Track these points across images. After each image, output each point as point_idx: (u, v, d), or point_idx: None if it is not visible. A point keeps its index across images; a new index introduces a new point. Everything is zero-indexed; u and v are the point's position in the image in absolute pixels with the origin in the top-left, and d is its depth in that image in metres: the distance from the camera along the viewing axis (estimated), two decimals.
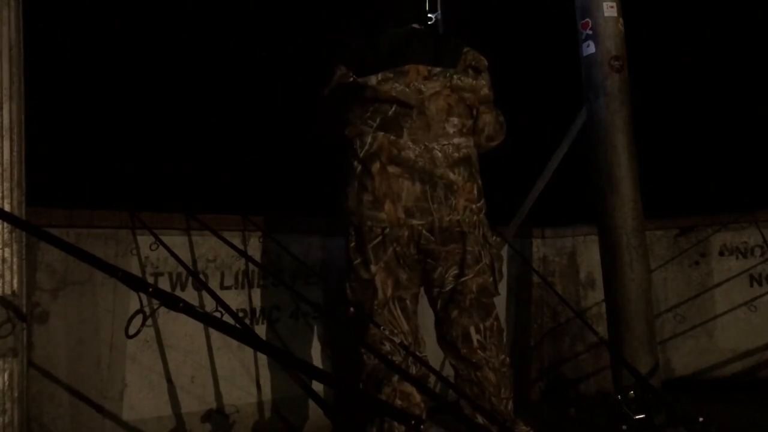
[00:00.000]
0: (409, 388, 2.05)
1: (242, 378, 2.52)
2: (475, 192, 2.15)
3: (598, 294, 3.31)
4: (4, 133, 1.81)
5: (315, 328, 2.75)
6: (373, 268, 2.09)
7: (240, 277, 2.56)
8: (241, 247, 2.50)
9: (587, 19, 2.71)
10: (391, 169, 2.07)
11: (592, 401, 3.31)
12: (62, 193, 2.40)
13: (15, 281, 1.82)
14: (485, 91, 2.20)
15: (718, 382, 3.29)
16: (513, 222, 3.19)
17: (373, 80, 2.09)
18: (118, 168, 3.41)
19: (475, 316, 2.12)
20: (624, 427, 2.39)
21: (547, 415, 2.21)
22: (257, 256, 2.55)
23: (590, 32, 2.70)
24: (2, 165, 1.81)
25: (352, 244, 2.15)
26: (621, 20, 2.71)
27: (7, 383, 1.79)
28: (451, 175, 2.09)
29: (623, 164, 2.64)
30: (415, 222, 2.06)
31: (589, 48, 2.71)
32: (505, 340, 2.19)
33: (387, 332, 2.07)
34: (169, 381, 2.34)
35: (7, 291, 1.80)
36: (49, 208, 2.13)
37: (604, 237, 2.69)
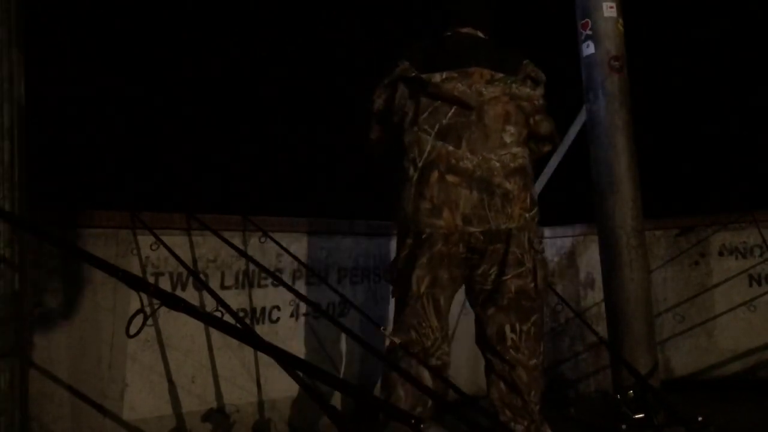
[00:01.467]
0: (427, 381, 2.08)
1: (242, 378, 2.52)
2: (528, 201, 2.20)
3: (597, 294, 3.32)
4: (4, 133, 1.81)
5: (315, 328, 2.76)
6: (415, 263, 2.14)
7: (240, 277, 2.57)
8: (241, 247, 2.50)
9: (587, 20, 2.71)
10: (450, 178, 2.12)
11: (591, 401, 3.32)
12: (63, 193, 2.40)
13: (16, 281, 1.82)
14: (540, 101, 2.26)
15: (717, 382, 3.29)
16: None
17: (437, 77, 2.14)
18: (118, 168, 3.41)
19: (512, 316, 2.16)
20: (623, 426, 2.40)
21: (547, 414, 2.21)
22: (257, 256, 2.55)
23: (590, 32, 2.71)
24: (3, 165, 1.80)
25: (403, 243, 2.20)
26: (621, 20, 2.71)
27: (7, 383, 1.78)
28: (508, 185, 2.14)
29: (623, 164, 2.64)
30: (471, 229, 2.12)
31: (589, 48, 2.71)
32: (542, 348, 2.21)
33: (415, 322, 2.12)
34: (170, 381, 2.34)
35: (8, 291, 1.80)
36: (50, 208, 2.13)
37: (604, 237, 2.69)
